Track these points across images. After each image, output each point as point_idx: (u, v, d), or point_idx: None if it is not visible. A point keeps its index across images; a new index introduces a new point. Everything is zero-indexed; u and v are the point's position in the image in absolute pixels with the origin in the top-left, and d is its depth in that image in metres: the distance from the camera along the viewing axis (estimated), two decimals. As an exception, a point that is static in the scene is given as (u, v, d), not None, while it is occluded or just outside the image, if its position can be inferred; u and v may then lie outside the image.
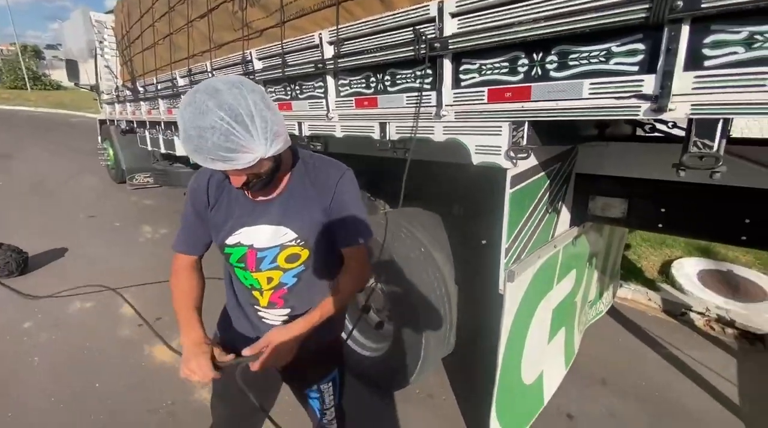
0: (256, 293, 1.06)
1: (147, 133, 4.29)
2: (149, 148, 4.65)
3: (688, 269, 3.18)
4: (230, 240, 1.00)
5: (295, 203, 0.99)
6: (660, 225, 1.54)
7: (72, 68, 5.95)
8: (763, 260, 3.37)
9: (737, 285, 2.98)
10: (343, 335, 2.13)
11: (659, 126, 1.90)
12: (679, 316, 2.78)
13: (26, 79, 22.59)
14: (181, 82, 2.97)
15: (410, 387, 2.03)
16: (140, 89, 3.88)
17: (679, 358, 2.36)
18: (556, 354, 2.02)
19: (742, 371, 2.25)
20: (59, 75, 26.55)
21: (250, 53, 2.10)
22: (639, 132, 2.09)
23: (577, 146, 1.65)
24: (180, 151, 3.54)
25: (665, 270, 3.28)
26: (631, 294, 3.02)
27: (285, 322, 1.08)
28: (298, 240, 0.99)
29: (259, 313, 1.09)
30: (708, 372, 2.23)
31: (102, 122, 6.28)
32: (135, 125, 4.61)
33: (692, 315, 2.75)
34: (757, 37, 0.78)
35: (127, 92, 4.31)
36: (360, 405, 1.98)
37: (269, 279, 1.03)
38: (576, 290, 2.02)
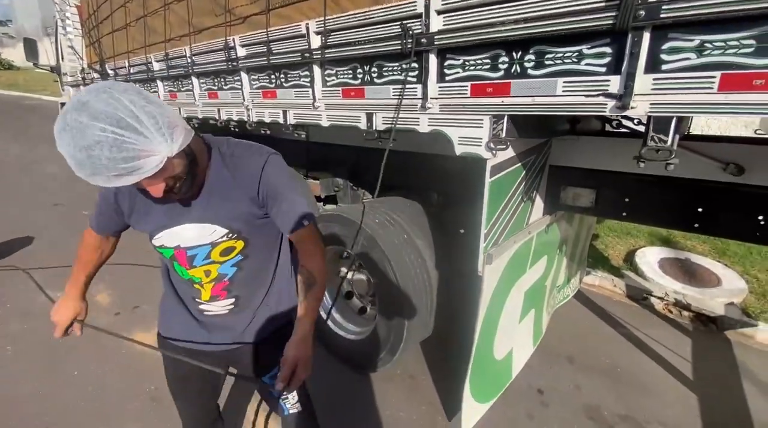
0: (197, 286, 1.02)
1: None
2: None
3: (649, 257, 3.41)
4: (155, 243, 0.97)
5: (218, 198, 0.93)
6: (624, 214, 1.68)
7: (30, 47, 5.62)
8: (718, 249, 3.65)
9: (694, 272, 3.23)
10: (323, 315, 2.21)
11: (625, 122, 2.03)
12: (641, 301, 3.00)
13: (-24, 58, 21.00)
14: (156, 66, 2.89)
15: (391, 369, 2.12)
16: (110, 72, 3.74)
17: (640, 338, 2.56)
18: (525, 333, 2.16)
19: (696, 350, 2.47)
20: (11, 54, 24.79)
21: (233, 40, 2.08)
22: (608, 128, 2.23)
23: (551, 140, 1.75)
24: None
25: (629, 258, 3.51)
26: (598, 280, 3.22)
27: (231, 312, 1.06)
28: (230, 235, 0.96)
29: (201, 306, 1.06)
30: (665, 351, 2.43)
31: (64, 105, 5.99)
32: (106, 110, 4.43)
33: (653, 299, 2.97)
34: (707, 45, 0.88)
35: (95, 74, 4.13)
36: (344, 386, 2.06)
37: (207, 273, 1.00)
38: (546, 274, 2.16)
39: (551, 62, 1.09)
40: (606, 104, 1.02)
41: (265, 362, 1.14)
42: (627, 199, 1.66)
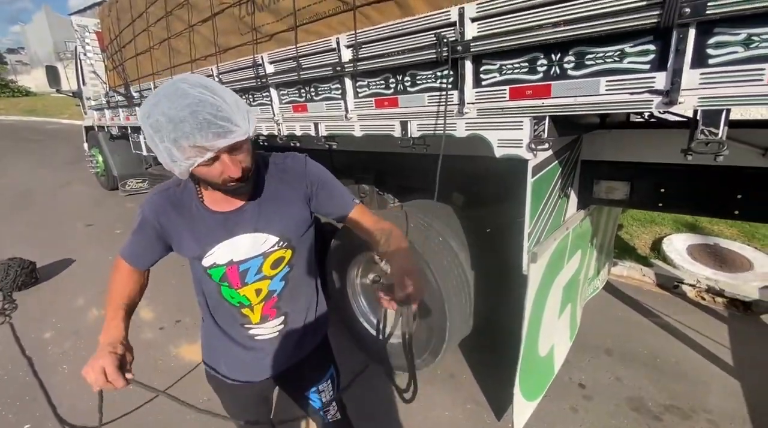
0: (245, 311, 1.01)
1: (142, 138, 4.27)
2: (144, 154, 4.63)
3: (677, 244, 3.39)
4: (206, 263, 0.95)
5: (269, 205, 0.95)
6: (660, 205, 1.69)
7: (53, 74, 5.81)
8: (746, 232, 3.61)
9: (724, 258, 3.20)
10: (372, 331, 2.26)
11: (656, 113, 2.04)
12: (672, 289, 2.98)
13: (-7, 86, 21.67)
14: (182, 86, 2.98)
15: (432, 369, 2.15)
16: (135, 94, 3.85)
17: (675, 327, 2.55)
18: (563, 328, 2.17)
19: (734, 335, 2.45)
20: (26, 80, 25.53)
21: (261, 57, 2.14)
22: (634, 119, 2.24)
23: (582, 135, 1.77)
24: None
25: (656, 246, 3.48)
26: (626, 271, 3.21)
27: (280, 332, 1.06)
28: (281, 243, 0.97)
29: (251, 332, 1.05)
30: (702, 338, 2.42)
31: (88, 129, 6.16)
32: (129, 131, 4.56)
33: (684, 287, 2.95)
34: (754, 38, 0.90)
35: (119, 98, 4.26)
36: (387, 390, 2.10)
37: (258, 292, 0.99)
38: (581, 268, 2.17)
39: (592, 62, 1.12)
40: (652, 101, 1.04)
41: (312, 376, 1.20)
42: (663, 190, 1.68)
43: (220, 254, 0.94)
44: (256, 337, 1.06)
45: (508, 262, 2.04)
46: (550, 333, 1.88)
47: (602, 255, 2.79)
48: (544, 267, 1.58)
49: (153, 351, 2.41)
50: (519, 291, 1.54)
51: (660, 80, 1.02)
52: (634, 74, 1.06)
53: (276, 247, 0.97)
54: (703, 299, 2.86)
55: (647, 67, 1.04)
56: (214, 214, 0.93)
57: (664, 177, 1.65)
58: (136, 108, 3.93)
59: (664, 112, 2.02)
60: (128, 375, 0.82)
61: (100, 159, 6.01)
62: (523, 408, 1.69)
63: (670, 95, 1.01)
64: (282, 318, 1.06)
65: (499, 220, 2.26)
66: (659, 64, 1.02)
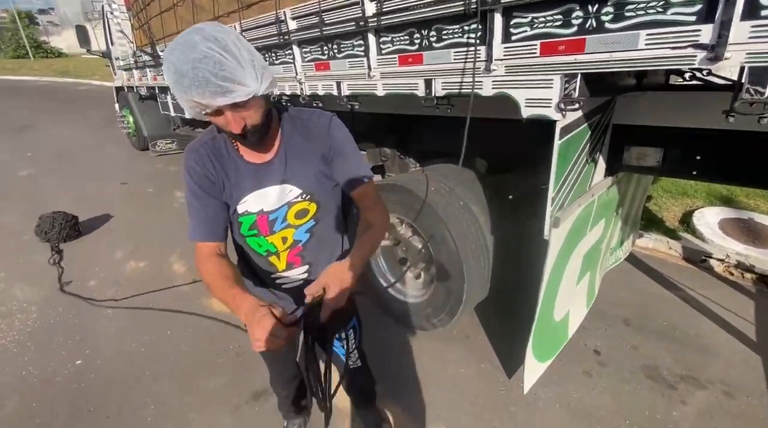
0: (272, 258, 1.08)
1: (170, 98, 4.34)
2: (172, 114, 4.71)
3: (709, 218, 3.25)
4: (240, 209, 1.00)
5: (294, 158, 1.00)
6: (694, 172, 1.61)
7: (83, 34, 5.88)
8: (786, 207, 3.41)
9: (758, 233, 3.06)
10: (383, 284, 2.33)
11: (698, 74, 1.90)
12: (699, 263, 2.90)
13: (28, 48, 22.18)
14: (206, 45, 2.97)
15: (448, 330, 2.22)
16: (160, 53, 3.88)
17: (699, 300, 2.50)
18: (581, 295, 2.17)
19: (760, 312, 2.39)
20: (58, 41, 25.96)
21: (284, 13, 2.10)
22: (674, 81, 2.10)
23: (616, 97, 1.69)
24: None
25: (686, 220, 3.35)
26: (651, 243, 3.12)
27: (306, 281, 1.10)
28: (304, 195, 1.02)
29: (278, 281, 1.12)
30: (727, 313, 2.37)
31: (119, 89, 6.29)
32: (156, 91, 4.64)
33: (712, 261, 2.86)
34: (819, -17, 0.81)
35: (146, 57, 4.30)
36: (404, 347, 2.19)
37: (284, 240, 1.06)
38: (603, 237, 2.13)
39: (632, 14, 1.05)
40: (695, 56, 0.97)
41: (335, 326, 1.25)
42: (699, 157, 1.60)
43: (252, 202, 1.00)
44: (283, 285, 1.14)
45: (529, 230, 2.03)
46: (566, 298, 1.89)
47: (627, 226, 2.72)
48: (566, 233, 1.57)
49: (186, 302, 2.58)
50: (538, 258, 1.54)
51: (706, 33, 0.95)
52: (677, 27, 0.99)
53: (299, 199, 1.02)
54: (732, 274, 2.77)
55: (693, 18, 0.97)
56: (248, 164, 0.98)
57: (700, 143, 1.56)
58: (163, 67, 3.97)
59: (708, 73, 1.88)
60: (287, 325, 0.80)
61: (131, 119, 6.17)
62: (534, 368, 1.74)
63: (716, 50, 0.94)
64: (306, 267, 1.12)
65: (522, 188, 2.22)
66: (706, 16, 0.95)
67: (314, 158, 1.01)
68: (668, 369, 2.01)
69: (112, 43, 5.53)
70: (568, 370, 2.01)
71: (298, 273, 1.12)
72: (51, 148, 6.69)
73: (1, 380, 2.05)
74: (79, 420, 1.81)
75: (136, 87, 5.28)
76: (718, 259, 2.85)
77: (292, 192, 1.01)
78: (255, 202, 1.00)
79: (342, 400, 1.83)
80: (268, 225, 1.03)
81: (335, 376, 1.06)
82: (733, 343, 2.17)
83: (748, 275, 2.73)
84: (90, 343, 2.28)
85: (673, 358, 2.07)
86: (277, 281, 1.13)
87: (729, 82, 1.68)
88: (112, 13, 5.19)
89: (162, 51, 3.81)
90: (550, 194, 1.39)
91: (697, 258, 2.92)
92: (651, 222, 3.36)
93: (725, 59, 0.94)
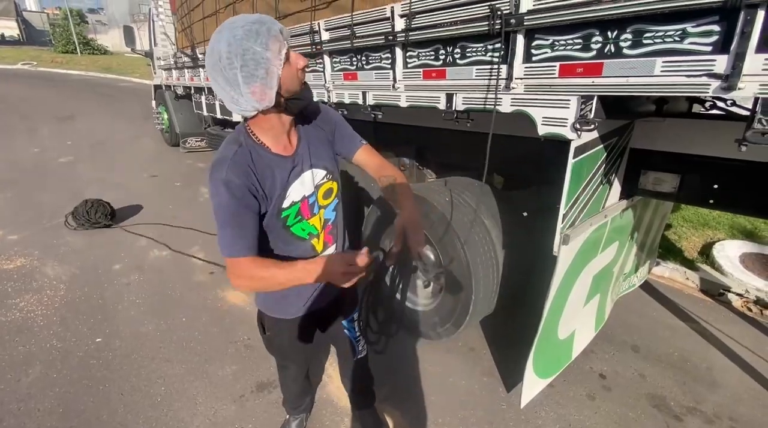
0: (314, 241, 1.16)
1: (204, 98, 4.55)
2: (204, 113, 4.93)
3: (729, 251, 3.17)
4: (285, 204, 1.05)
5: (315, 144, 1.12)
6: (711, 201, 1.61)
7: (129, 34, 6.25)
8: (813, 246, 3.29)
9: (781, 270, 2.96)
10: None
11: (719, 104, 1.90)
12: (717, 296, 2.83)
13: (76, 44, 23.51)
14: (242, 50, 3.13)
15: (453, 341, 2.24)
16: (200, 56, 4.09)
17: (714, 334, 2.44)
18: (588, 317, 2.16)
19: (777, 350, 2.31)
20: (104, 39, 27.45)
21: (318, 24, 2.22)
22: (696, 109, 2.10)
23: (634, 121, 1.71)
24: (236, 116, 3.76)
25: (706, 251, 3.28)
26: (668, 272, 3.06)
27: None
28: (328, 176, 1.15)
29: None
30: (742, 349, 2.31)
31: (157, 87, 6.62)
32: (192, 91, 4.87)
33: (730, 295, 2.79)
34: (832, 22, 0.84)
35: (186, 59, 4.54)
36: (409, 354, 2.22)
37: (321, 220, 1.17)
38: (615, 260, 2.12)
39: (650, 41, 1.09)
40: (709, 85, 1.00)
41: (350, 308, 1.41)
42: (716, 186, 1.60)
43: (294, 192, 1.07)
44: None
45: (540, 247, 2.04)
46: (572, 318, 1.89)
47: (644, 253, 2.68)
48: (575, 252, 1.59)
49: (202, 292, 2.68)
50: (547, 276, 1.56)
51: (720, 64, 0.98)
52: (693, 56, 1.02)
53: (325, 179, 1.14)
54: (750, 310, 2.69)
55: (708, 48, 1.00)
56: (281, 157, 1.04)
57: (718, 172, 1.57)
58: (200, 69, 4.19)
59: (732, 103, 1.88)
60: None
61: (166, 116, 6.47)
62: (533, 383, 1.74)
63: (730, 80, 0.97)
64: (335, 245, 1.23)
65: (537, 205, 2.24)
66: (722, 47, 0.98)
67: (327, 142, 1.16)
68: (675, 400, 1.97)
69: (155, 44, 5.85)
70: (571, 391, 1.99)
71: (331, 251, 1.22)
72: (90, 138, 7.07)
73: (27, 349, 2.18)
74: (94, 394, 1.91)
75: (174, 86, 5.55)
76: (737, 294, 2.77)
77: (318, 174, 1.12)
78: (296, 191, 1.07)
79: (342, 400, 1.87)
80: (308, 208, 1.12)
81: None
82: (744, 379, 2.10)
83: (767, 312, 2.65)
84: (110, 323, 2.40)
85: (681, 389, 2.03)
86: None
87: (750, 112, 1.69)
88: (157, 16, 5.51)
89: (201, 54, 4.02)
90: (562, 211, 1.42)
91: (715, 291, 2.85)
92: (669, 251, 3.30)
93: (739, 89, 0.97)
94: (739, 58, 0.95)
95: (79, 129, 7.79)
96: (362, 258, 0.93)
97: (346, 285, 0.95)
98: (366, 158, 1.22)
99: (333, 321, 1.44)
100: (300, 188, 1.08)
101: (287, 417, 1.72)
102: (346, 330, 1.46)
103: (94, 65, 18.40)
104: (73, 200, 3.80)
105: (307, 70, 1.01)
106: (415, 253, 1.06)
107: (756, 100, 0.98)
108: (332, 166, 1.17)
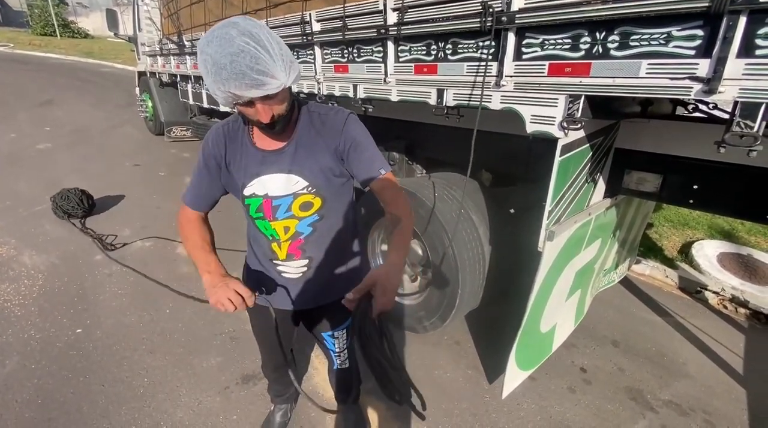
0: (274, 245, 1.12)
1: (190, 87, 4.46)
2: (191, 102, 4.83)
3: (708, 250, 3.28)
4: (246, 192, 1.05)
5: (304, 151, 1.03)
6: (691, 201, 1.66)
7: (112, 18, 6.05)
8: (785, 247, 3.43)
9: (755, 270, 3.08)
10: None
11: (702, 107, 1.96)
12: (694, 294, 2.92)
13: (56, 26, 22.66)
14: (231, 38, 3.07)
15: (439, 335, 2.26)
16: (186, 43, 4.00)
17: (690, 330, 2.52)
18: (569, 311, 2.21)
19: (750, 347, 2.40)
20: (85, 23, 26.49)
21: (309, 15, 2.19)
22: (680, 112, 2.16)
23: (620, 121, 1.75)
24: (224, 107, 3.70)
25: (685, 250, 3.38)
26: (648, 270, 3.15)
27: (304, 274, 1.16)
28: (310, 188, 1.04)
29: (279, 268, 1.16)
30: (717, 345, 2.39)
31: (141, 74, 6.44)
32: (178, 79, 4.76)
33: (707, 293, 2.88)
34: (810, 30, 0.87)
35: (172, 45, 4.42)
36: (393, 349, 2.23)
37: (286, 229, 1.09)
38: (598, 257, 2.18)
39: (636, 44, 1.11)
40: (691, 88, 1.03)
41: (331, 322, 1.31)
42: (696, 186, 1.65)
43: (259, 186, 1.05)
44: (282, 274, 1.17)
45: (526, 244, 2.08)
46: (554, 312, 1.93)
47: (624, 250, 2.75)
48: (560, 248, 1.62)
49: (187, 283, 2.65)
50: (532, 272, 1.59)
51: (703, 67, 1.01)
52: (677, 59, 1.05)
53: (305, 191, 1.05)
54: (725, 308, 2.79)
55: (692, 52, 1.03)
56: (258, 150, 1.04)
57: (699, 173, 1.61)
58: (187, 56, 4.09)
59: (714, 107, 1.94)
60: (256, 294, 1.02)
61: (150, 104, 6.31)
62: (514, 375, 1.78)
63: (711, 83, 1.00)
64: (306, 261, 1.15)
65: (524, 203, 2.28)
66: (704, 51, 1.01)
67: (325, 153, 1.04)
68: (652, 393, 2.04)
69: (140, 29, 5.68)
70: (552, 384, 2.04)
71: (298, 265, 1.15)
72: (69, 125, 6.85)
73: (4, 340, 2.13)
74: (74, 386, 1.88)
75: (159, 73, 5.41)
76: (714, 292, 2.87)
77: (299, 183, 1.04)
78: (260, 186, 1.05)
79: (328, 391, 1.88)
80: (271, 210, 1.06)
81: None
82: (719, 374, 2.19)
83: (741, 310, 2.75)
84: (91, 314, 2.36)
85: (658, 383, 2.10)
86: (278, 267, 1.16)
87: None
88: (142, 0, 5.35)
89: (188, 41, 3.93)
90: (547, 208, 1.44)
91: (693, 289, 2.95)
92: (650, 250, 3.39)
93: (719, 93, 1.00)
94: (720, 63, 0.98)
95: (59, 115, 7.53)
96: (249, 300, 1.00)
97: (216, 306, 0.98)
98: (380, 189, 1.05)
99: (311, 329, 1.39)
100: (264, 185, 1.04)
101: (272, 407, 1.73)
102: (325, 342, 1.37)
103: (74, 49, 17.73)
104: (51, 189, 3.68)
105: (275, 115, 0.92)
106: (376, 315, 0.84)
107: (735, 103, 1.02)
108: (319, 181, 1.05)
